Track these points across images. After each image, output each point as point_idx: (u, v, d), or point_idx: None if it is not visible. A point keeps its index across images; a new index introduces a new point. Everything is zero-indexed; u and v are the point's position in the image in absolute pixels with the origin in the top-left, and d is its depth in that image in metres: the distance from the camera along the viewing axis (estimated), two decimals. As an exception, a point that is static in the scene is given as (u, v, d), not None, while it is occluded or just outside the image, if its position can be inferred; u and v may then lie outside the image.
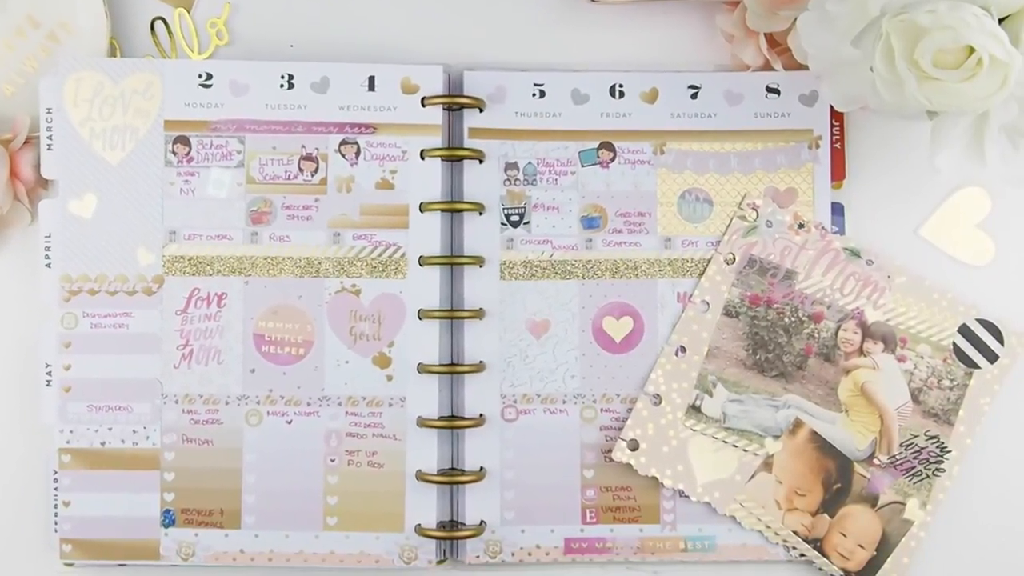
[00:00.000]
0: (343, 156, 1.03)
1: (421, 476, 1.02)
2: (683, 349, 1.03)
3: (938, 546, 1.04)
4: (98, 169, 1.03)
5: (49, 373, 1.03)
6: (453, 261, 1.03)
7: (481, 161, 1.04)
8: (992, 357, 1.03)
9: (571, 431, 1.04)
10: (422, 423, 1.02)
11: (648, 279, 1.04)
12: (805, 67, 0.93)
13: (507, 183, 1.04)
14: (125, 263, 1.03)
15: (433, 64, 1.04)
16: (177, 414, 1.02)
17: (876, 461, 1.03)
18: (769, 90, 1.05)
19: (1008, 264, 1.06)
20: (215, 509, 1.02)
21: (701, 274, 1.04)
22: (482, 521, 1.03)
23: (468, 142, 1.04)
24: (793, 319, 1.03)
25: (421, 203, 1.03)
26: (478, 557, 1.03)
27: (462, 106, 1.04)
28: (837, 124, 1.05)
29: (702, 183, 1.05)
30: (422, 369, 1.02)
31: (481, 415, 1.03)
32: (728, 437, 1.03)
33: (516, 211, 1.04)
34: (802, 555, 1.03)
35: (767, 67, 1.04)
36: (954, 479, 1.03)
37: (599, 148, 1.05)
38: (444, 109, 1.04)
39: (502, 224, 1.04)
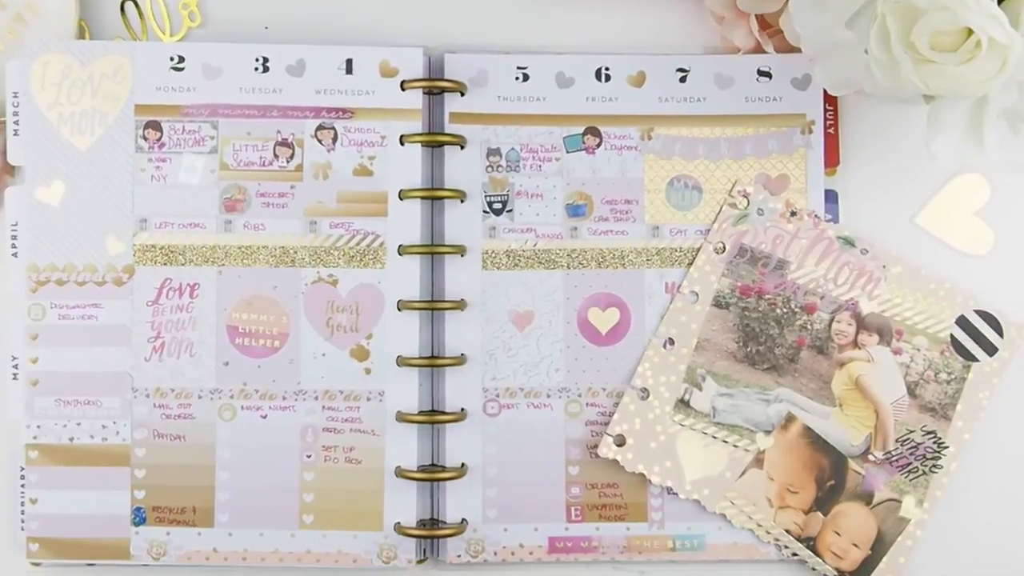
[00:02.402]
0: (320, 142, 1.02)
1: (400, 473, 1.00)
2: (671, 341, 1.02)
3: (935, 545, 1.02)
4: (66, 155, 1.01)
5: (16, 366, 1.01)
6: (433, 250, 1.01)
7: (462, 147, 1.02)
8: (991, 350, 1.02)
9: (555, 426, 1.02)
10: (401, 418, 1.00)
11: (635, 269, 1.02)
12: (798, 50, 0.92)
13: (489, 169, 1.02)
14: (94, 252, 1.01)
15: (413, 47, 1.02)
16: (148, 408, 1.00)
17: (871, 457, 1.01)
18: (760, 73, 1.03)
19: (1007, 253, 1.04)
20: (187, 507, 1.00)
21: (690, 264, 1.02)
22: (463, 519, 1.01)
23: (449, 127, 1.02)
24: (785, 310, 1.02)
25: (400, 190, 1.01)
26: (459, 557, 1.01)
27: (443, 90, 1.02)
28: (831, 108, 1.04)
29: (691, 169, 1.03)
30: (401, 362, 1.00)
31: (462, 409, 1.01)
32: (718, 432, 1.01)
33: (499, 198, 1.02)
34: (794, 554, 1.01)
35: (758, 50, 1.02)
36: (952, 476, 1.01)
37: (584, 133, 1.03)
38: (424, 93, 1.02)
39: (484, 212, 1.02)
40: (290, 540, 1.00)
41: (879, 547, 1.01)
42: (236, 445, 1.00)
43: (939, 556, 1.02)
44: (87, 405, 1.00)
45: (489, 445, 1.01)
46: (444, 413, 1.01)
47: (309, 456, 1.00)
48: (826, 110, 1.03)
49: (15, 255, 1.01)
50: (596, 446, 1.01)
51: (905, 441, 1.01)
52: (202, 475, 1.00)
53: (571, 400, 1.02)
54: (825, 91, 1.02)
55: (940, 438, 1.01)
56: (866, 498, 1.01)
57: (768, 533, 1.01)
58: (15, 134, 1.01)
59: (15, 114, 1.01)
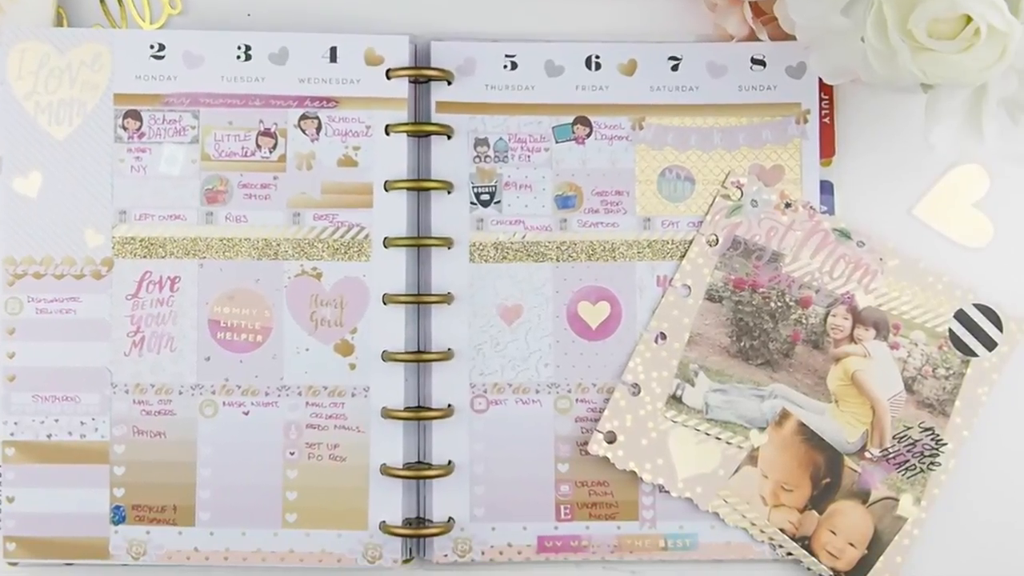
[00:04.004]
0: (303, 131, 1.01)
1: (386, 470, 0.99)
2: (663, 336, 1.00)
3: (933, 544, 1.01)
4: (44, 145, 1.00)
5: (-8, 361, 1.01)
6: (420, 243, 1.00)
7: (449, 137, 1.01)
8: (990, 344, 1.01)
9: (545, 423, 1.01)
10: (387, 414, 0.99)
11: (626, 262, 1.01)
12: (792, 37, 0.92)
13: (477, 160, 1.01)
14: (72, 245, 1.00)
15: (398, 34, 1.01)
16: (128, 405, 0.99)
17: (867, 454, 1.00)
18: (754, 61, 1.02)
19: (1007, 246, 1.03)
20: (168, 505, 0.99)
21: (682, 256, 1.01)
22: (450, 518, 1.00)
23: (436, 117, 1.01)
24: (780, 304, 1.01)
25: (386, 181, 1.00)
26: (446, 556, 1.00)
27: (429, 78, 1.01)
28: (826, 98, 1.03)
29: (683, 160, 1.02)
30: (387, 357, 0.99)
31: (449, 406, 1.00)
32: (711, 429, 1.00)
33: (486, 190, 1.01)
34: (789, 554, 1.00)
35: (752, 37, 1.01)
36: (950, 473, 1.00)
37: (574, 123, 1.02)
38: (410, 82, 1.01)
39: (471, 203, 1.01)
40: (273, 539, 0.99)
41: (876, 546, 1.00)
42: (218, 442, 0.99)
43: (937, 556, 1.01)
44: (65, 401, 0.99)
45: (476, 442, 1.00)
46: (430, 409, 0.99)
47: (292, 453, 0.99)
48: (821, 99, 1.02)
49: (-9, 247, 1.01)
50: (586, 443, 1.00)
51: (902, 438, 1.00)
52: (183, 473, 0.99)
53: (560, 396, 1.00)
54: (820, 80, 1.01)
55: (938, 435, 1.00)
56: (862, 496, 1.00)
57: (762, 532, 1.00)
58: (-9, 124, 1.01)
59: (-9, 103, 1.01)
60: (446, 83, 1.01)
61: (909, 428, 1.00)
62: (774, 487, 1.00)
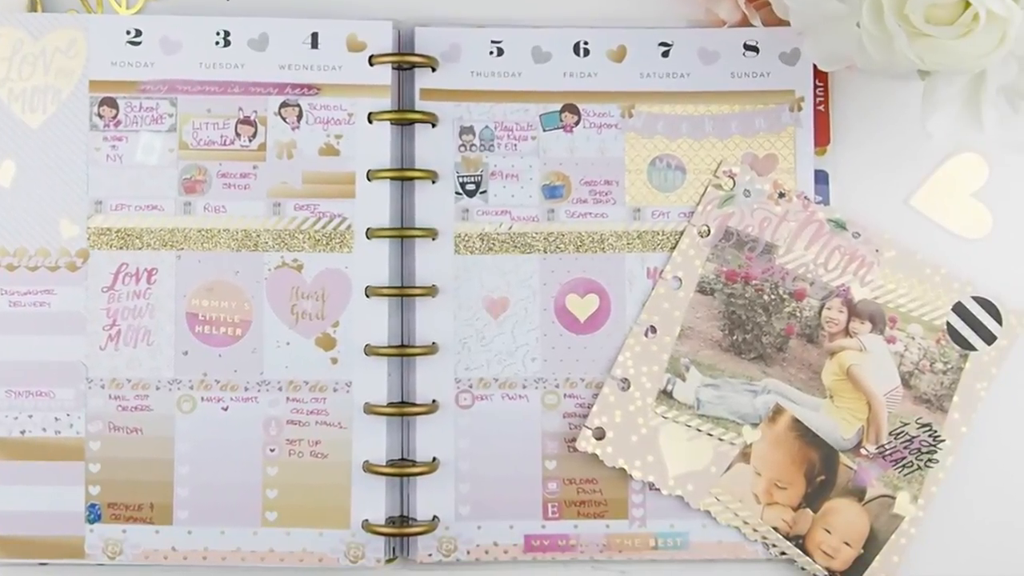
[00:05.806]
0: (284, 119, 1.00)
1: (369, 467, 0.98)
2: (653, 329, 0.99)
3: (931, 543, 1.00)
4: (17, 133, 0.99)
5: (-36, 356, 1.00)
6: (403, 234, 0.99)
7: (434, 125, 1.00)
8: (989, 338, 1.00)
9: (532, 418, 1.00)
10: (370, 410, 0.98)
11: (615, 253, 1.00)
12: (786, 23, 0.91)
13: (462, 149, 1.00)
14: (47, 236, 0.99)
15: (381, 20, 1.01)
16: (103, 400, 0.99)
17: (863, 451, 0.99)
18: (747, 48, 1.01)
19: (1006, 237, 1.02)
20: (144, 503, 0.98)
21: (673, 248, 1.00)
22: (435, 516, 0.99)
23: (420, 104, 1.00)
24: (773, 297, 0.99)
25: (369, 170, 0.99)
26: (431, 556, 0.99)
27: (413, 65, 1.00)
28: (821, 85, 1.02)
29: (674, 149, 1.01)
30: (370, 351, 0.98)
31: (434, 401, 0.99)
32: (702, 425, 0.99)
33: (472, 179, 1.00)
34: (783, 553, 0.99)
35: (745, 23, 1.01)
36: (948, 471, 0.99)
37: (562, 111, 1.01)
38: (393, 68, 1.00)
39: (457, 193, 1.00)
40: (252, 538, 0.98)
41: (872, 545, 0.99)
42: (196, 438, 0.98)
43: (935, 555, 1.00)
44: (39, 396, 0.99)
45: (462, 438, 0.99)
46: (414, 405, 0.98)
47: (272, 450, 0.98)
48: (816, 86, 1.01)
49: (-37, 239, 1.00)
50: (574, 439, 0.99)
51: (899, 434, 0.99)
52: (160, 470, 0.98)
53: (548, 391, 0.99)
54: (815, 66, 1.00)
55: (936, 431, 0.99)
56: (858, 494, 0.99)
57: (755, 531, 0.99)
58: (-37, 112, 1.00)
59: (-36, 91, 1.00)
60: (430, 70, 1.00)
61: (906, 424, 0.99)
62: (767, 485, 0.99)
